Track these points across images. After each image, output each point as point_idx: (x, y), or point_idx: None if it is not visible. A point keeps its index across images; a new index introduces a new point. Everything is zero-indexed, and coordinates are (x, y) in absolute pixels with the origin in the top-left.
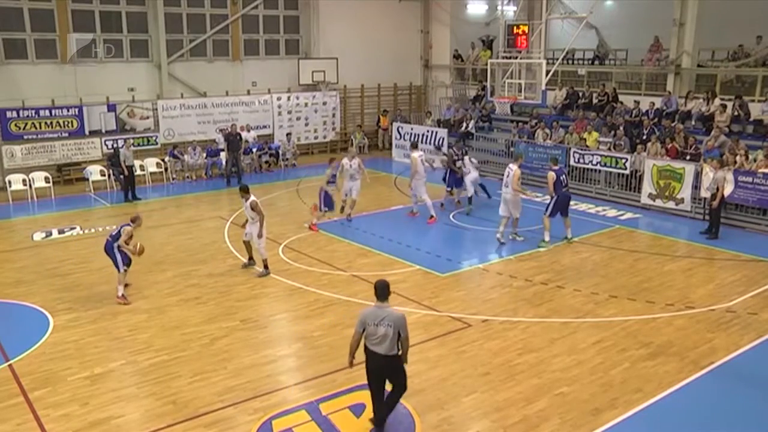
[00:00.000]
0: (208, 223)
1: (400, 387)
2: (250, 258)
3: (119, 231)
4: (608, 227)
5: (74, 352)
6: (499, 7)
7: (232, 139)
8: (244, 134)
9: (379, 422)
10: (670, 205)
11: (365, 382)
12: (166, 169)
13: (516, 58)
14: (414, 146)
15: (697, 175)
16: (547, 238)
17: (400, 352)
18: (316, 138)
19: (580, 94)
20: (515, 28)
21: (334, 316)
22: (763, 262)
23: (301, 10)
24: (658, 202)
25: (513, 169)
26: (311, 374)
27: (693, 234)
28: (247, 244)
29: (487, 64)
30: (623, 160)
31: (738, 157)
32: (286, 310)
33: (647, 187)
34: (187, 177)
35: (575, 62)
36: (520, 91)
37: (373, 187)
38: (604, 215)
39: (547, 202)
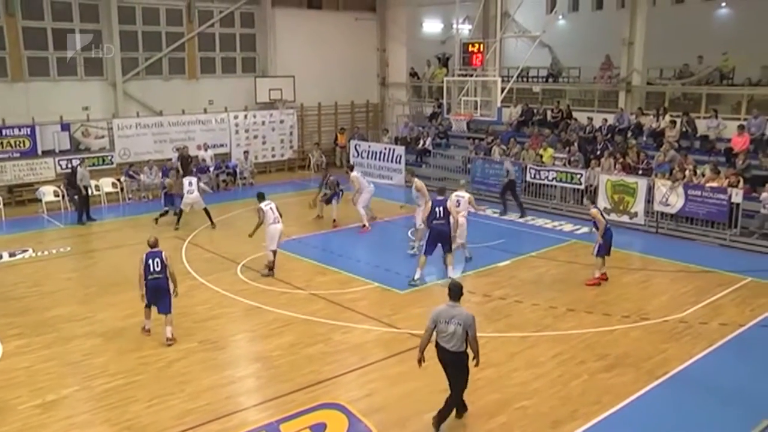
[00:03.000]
0: (166, 243)
1: (460, 384)
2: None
3: (162, 260)
4: (565, 242)
5: (25, 380)
6: (454, 26)
7: (183, 161)
8: (201, 153)
9: (438, 422)
10: (624, 218)
11: (327, 401)
12: (122, 189)
13: (471, 75)
14: (351, 167)
15: (650, 190)
16: (417, 276)
17: (466, 349)
18: (273, 156)
19: (535, 111)
20: (470, 46)
21: (293, 335)
22: (712, 273)
23: (258, 28)
24: (613, 216)
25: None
26: (271, 395)
27: (647, 247)
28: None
29: (443, 82)
30: (578, 176)
31: (679, 172)
32: (244, 330)
33: (602, 202)
34: (144, 197)
35: (530, 80)
36: (476, 108)
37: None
38: (560, 230)
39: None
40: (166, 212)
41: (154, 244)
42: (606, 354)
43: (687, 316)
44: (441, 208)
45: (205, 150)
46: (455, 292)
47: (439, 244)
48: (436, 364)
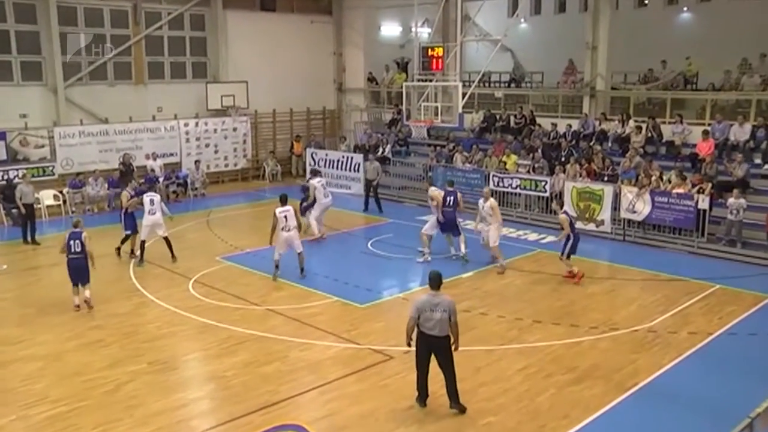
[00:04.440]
0: (113, 258)
1: (450, 368)
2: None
3: (81, 241)
4: (530, 251)
5: None
6: (414, 29)
7: (124, 170)
8: (149, 163)
9: (457, 407)
10: (591, 227)
11: (285, 422)
12: (64, 202)
13: (431, 80)
14: (313, 173)
15: (616, 197)
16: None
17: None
18: (226, 166)
19: (498, 116)
20: (430, 50)
21: (248, 353)
22: (681, 281)
23: (208, 31)
24: (579, 225)
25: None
26: (225, 417)
27: (615, 255)
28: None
29: (402, 87)
30: (543, 183)
31: (645, 179)
32: (197, 350)
33: (567, 210)
34: (88, 210)
35: (491, 85)
36: (436, 114)
37: None
38: (525, 239)
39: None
40: (128, 237)
41: (76, 225)
42: (574, 366)
43: (656, 325)
44: (451, 198)
45: (154, 159)
46: (435, 281)
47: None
48: (395, 383)
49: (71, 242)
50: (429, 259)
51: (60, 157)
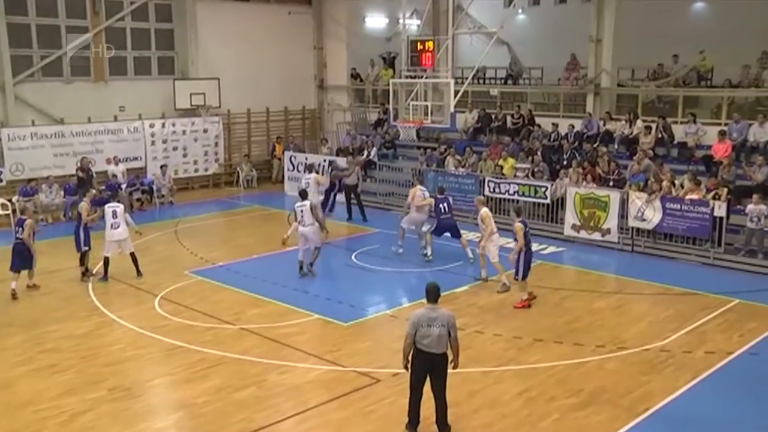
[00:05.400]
0: (69, 273)
1: (443, 392)
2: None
3: (23, 228)
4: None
5: None
6: (401, 21)
7: (83, 176)
8: (111, 168)
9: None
10: (596, 236)
11: None
12: (14, 211)
13: (421, 77)
14: (309, 168)
15: (623, 203)
16: (428, 252)
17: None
18: (196, 171)
19: (493, 116)
20: (419, 44)
21: (221, 378)
22: (695, 295)
23: (176, 22)
24: (583, 234)
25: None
26: None
27: (622, 267)
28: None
29: (388, 85)
30: (543, 189)
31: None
32: (164, 374)
33: (570, 218)
34: (42, 220)
35: (486, 81)
36: (426, 114)
37: (263, 227)
38: None
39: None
40: (86, 254)
41: (22, 211)
42: (579, 389)
43: (669, 344)
44: (445, 205)
45: (116, 164)
46: (433, 293)
47: (448, 234)
48: (382, 408)
49: (17, 228)
50: (401, 252)
51: (9, 161)
